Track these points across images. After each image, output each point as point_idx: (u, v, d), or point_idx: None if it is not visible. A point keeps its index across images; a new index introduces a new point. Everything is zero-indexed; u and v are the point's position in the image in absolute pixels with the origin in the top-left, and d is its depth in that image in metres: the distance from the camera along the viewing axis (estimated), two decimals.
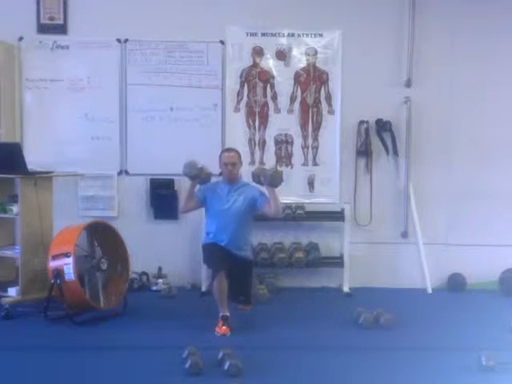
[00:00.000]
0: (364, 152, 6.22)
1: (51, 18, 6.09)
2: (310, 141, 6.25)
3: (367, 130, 6.19)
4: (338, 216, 6.08)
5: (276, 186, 4.90)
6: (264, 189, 4.98)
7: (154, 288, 5.99)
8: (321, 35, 6.18)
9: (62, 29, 6.10)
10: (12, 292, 5.11)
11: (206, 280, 5.75)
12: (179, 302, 5.65)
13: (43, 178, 5.27)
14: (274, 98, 6.22)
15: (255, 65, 6.20)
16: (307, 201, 6.20)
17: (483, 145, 6.22)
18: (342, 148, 6.24)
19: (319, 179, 6.26)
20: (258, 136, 6.24)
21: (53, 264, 4.87)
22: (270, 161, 6.22)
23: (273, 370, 3.99)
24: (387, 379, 3.92)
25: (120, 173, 6.19)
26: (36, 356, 4.22)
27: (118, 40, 6.10)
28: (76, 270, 4.84)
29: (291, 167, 6.26)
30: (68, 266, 4.81)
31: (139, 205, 6.21)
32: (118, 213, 6.18)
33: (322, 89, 6.22)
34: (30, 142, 6.06)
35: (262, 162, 6.21)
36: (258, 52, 6.19)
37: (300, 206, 6.08)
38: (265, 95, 6.22)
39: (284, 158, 6.27)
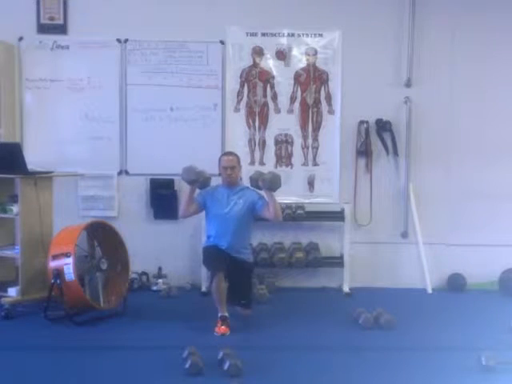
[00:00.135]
0: (364, 152, 6.23)
1: (51, 18, 6.09)
2: (310, 141, 6.25)
3: (367, 129, 6.19)
4: (338, 216, 6.08)
5: (274, 190, 4.91)
6: (263, 193, 4.99)
7: (154, 288, 5.99)
8: (321, 35, 6.18)
9: (62, 29, 6.10)
10: (12, 292, 5.10)
11: (205, 280, 5.75)
12: (179, 302, 5.65)
13: (43, 178, 5.27)
14: (274, 98, 6.22)
15: (255, 65, 6.20)
16: (307, 201, 6.20)
17: (483, 145, 6.23)
18: (342, 148, 6.24)
19: (319, 179, 6.26)
20: (258, 136, 6.25)
21: (53, 264, 4.87)
22: (270, 161, 6.23)
23: (273, 370, 3.99)
24: (387, 379, 3.91)
25: (120, 173, 6.19)
26: (36, 356, 4.23)
27: (118, 40, 6.10)
28: (76, 270, 4.84)
29: (291, 167, 6.26)
30: (68, 266, 4.81)
31: (139, 205, 6.21)
32: (117, 213, 6.18)
33: (322, 89, 6.22)
34: (30, 142, 6.06)
35: (262, 162, 6.21)
36: (258, 52, 6.19)
37: (300, 206, 6.08)
38: (265, 95, 6.22)
39: (284, 158, 6.27)
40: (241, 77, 6.19)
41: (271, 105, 6.22)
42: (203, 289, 5.87)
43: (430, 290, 6.14)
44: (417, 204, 6.21)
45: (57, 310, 4.92)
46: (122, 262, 5.30)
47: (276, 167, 6.18)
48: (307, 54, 6.20)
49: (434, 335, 4.75)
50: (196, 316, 5.14)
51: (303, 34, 6.18)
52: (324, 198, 6.25)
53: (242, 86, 6.20)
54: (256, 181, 4.99)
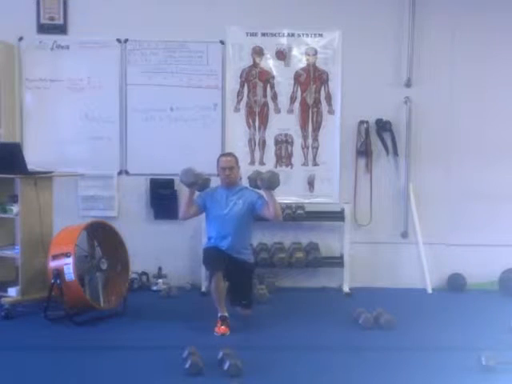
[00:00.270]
0: (364, 152, 6.23)
1: (51, 18, 6.09)
2: (310, 141, 6.25)
3: (367, 129, 6.19)
4: (338, 216, 6.08)
5: (273, 189, 4.91)
6: (262, 192, 4.99)
7: (154, 288, 5.99)
8: (321, 35, 6.18)
9: (61, 29, 6.10)
10: (12, 292, 5.10)
11: (205, 280, 5.74)
12: (179, 302, 5.65)
13: (43, 178, 5.27)
14: (274, 98, 6.22)
15: (255, 65, 6.20)
16: (307, 201, 6.20)
17: (483, 145, 6.23)
18: (342, 148, 6.24)
19: (319, 179, 6.26)
20: (258, 136, 6.24)
21: (53, 264, 4.87)
22: (270, 161, 6.22)
23: (273, 370, 3.99)
24: (387, 379, 3.91)
25: (120, 173, 6.19)
26: (36, 356, 4.22)
27: (118, 40, 6.10)
28: (76, 270, 4.84)
29: (291, 167, 6.26)
30: (68, 266, 4.81)
31: (139, 205, 6.21)
32: (117, 213, 6.18)
33: (322, 89, 6.22)
34: (30, 141, 6.06)
35: (262, 162, 6.21)
36: (258, 52, 6.18)
37: (300, 206, 6.08)
38: (265, 95, 6.22)
39: (284, 157, 6.27)
40: (241, 77, 6.19)
41: (271, 105, 6.22)
42: (203, 289, 5.87)
43: (429, 290, 6.14)
44: (417, 204, 6.21)
45: (57, 310, 4.92)
46: (122, 262, 5.30)
47: (276, 167, 6.18)
48: (307, 53, 6.20)
49: (434, 335, 4.75)
50: (196, 316, 5.14)
51: (303, 34, 6.18)
52: (324, 197, 6.25)
53: (241, 86, 6.20)
54: (255, 180, 4.99)
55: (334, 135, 6.23)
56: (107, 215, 6.01)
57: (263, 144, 6.25)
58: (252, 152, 6.24)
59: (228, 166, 5.01)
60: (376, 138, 6.21)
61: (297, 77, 6.21)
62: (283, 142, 6.26)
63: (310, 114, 6.24)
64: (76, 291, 4.84)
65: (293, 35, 6.18)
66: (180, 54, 6.12)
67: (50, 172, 5.46)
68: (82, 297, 4.88)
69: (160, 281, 6.01)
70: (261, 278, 5.94)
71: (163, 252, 6.13)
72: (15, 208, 5.17)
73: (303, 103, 6.23)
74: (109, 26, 6.05)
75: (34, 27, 6.09)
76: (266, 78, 6.21)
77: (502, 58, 6.20)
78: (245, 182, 5.31)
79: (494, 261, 6.07)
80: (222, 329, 4.67)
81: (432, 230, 6.23)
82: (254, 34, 6.17)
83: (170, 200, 6.08)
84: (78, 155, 6.12)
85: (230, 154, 5.19)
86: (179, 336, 4.64)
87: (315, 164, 6.26)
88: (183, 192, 5.38)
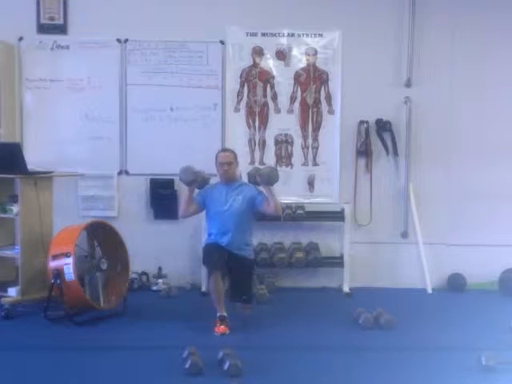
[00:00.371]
0: (364, 152, 6.23)
1: (51, 18, 6.09)
2: (310, 141, 6.25)
3: (367, 130, 6.19)
4: (338, 216, 6.08)
5: (272, 184, 4.91)
6: (262, 188, 4.99)
7: (154, 288, 5.99)
8: (321, 35, 6.18)
9: (61, 29, 6.10)
10: (12, 292, 5.10)
11: (205, 280, 5.74)
12: (179, 302, 5.65)
13: (43, 178, 5.27)
14: (274, 98, 6.22)
15: (255, 65, 6.20)
16: (307, 201, 6.20)
17: (483, 145, 6.23)
18: (342, 148, 6.24)
19: (319, 179, 6.26)
20: (258, 136, 6.25)
21: (53, 264, 4.86)
22: (270, 161, 6.22)
23: (273, 370, 3.99)
24: (387, 379, 3.91)
25: (120, 173, 6.19)
26: (36, 356, 4.23)
27: (118, 40, 6.10)
28: (76, 270, 4.84)
29: (291, 167, 6.26)
30: (68, 266, 4.81)
31: (139, 205, 6.21)
32: (117, 213, 6.18)
33: (322, 89, 6.22)
34: (30, 142, 6.06)
35: (262, 162, 6.20)
36: (258, 52, 6.18)
37: (300, 206, 6.08)
38: (265, 95, 6.22)
39: (284, 157, 6.27)
40: (241, 77, 6.19)
41: (271, 105, 6.22)
42: (203, 289, 5.87)
43: (429, 290, 6.14)
44: (417, 204, 6.21)
45: (57, 309, 4.92)
46: (122, 262, 5.30)
47: (276, 167, 6.18)
48: (307, 53, 6.20)
49: (434, 335, 4.75)
50: (196, 316, 5.14)
51: (303, 34, 6.18)
52: (324, 197, 6.25)
53: (242, 86, 6.20)
54: (254, 176, 5.00)
55: (334, 135, 6.23)
56: (107, 215, 6.01)
57: (263, 144, 6.25)
58: (252, 152, 6.24)
59: (226, 161, 5.01)
60: (376, 138, 6.21)
61: (297, 77, 6.21)
62: (283, 142, 6.26)
63: (310, 114, 6.24)
64: (76, 291, 4.83)
65: (293, 35, 6.18)
66: (180, 54, 6.12)
67: (50, 172, 5.46)
68: (82, 297, 4.88)
69: (160, 281, 6.01)
70: (261, 277, 5.93)
71: (163, 252, 6.13)
72: (15, 208, 5.17)
73: (303, 103, 6.23)
74: (109, 25, 6.05)
75: (34, 27, 6.09)
76: (266, 78, 6.21)
77: (502, 57, 6.21)
78: (244, 179, 5.32)
79: (493, 261, 6.08)
80: (221, 328, 4.67)
81: (432, 229, 6.23)
82: (253, 34, 6.17)
83: (170, 200, 6.08)
84: (78, 155, 6.12)
85: (228, 150, 5.20)
86: (179, 336, 4.64)
87: (315, 164, 6.26)
88: (183, 190, 5.38)
